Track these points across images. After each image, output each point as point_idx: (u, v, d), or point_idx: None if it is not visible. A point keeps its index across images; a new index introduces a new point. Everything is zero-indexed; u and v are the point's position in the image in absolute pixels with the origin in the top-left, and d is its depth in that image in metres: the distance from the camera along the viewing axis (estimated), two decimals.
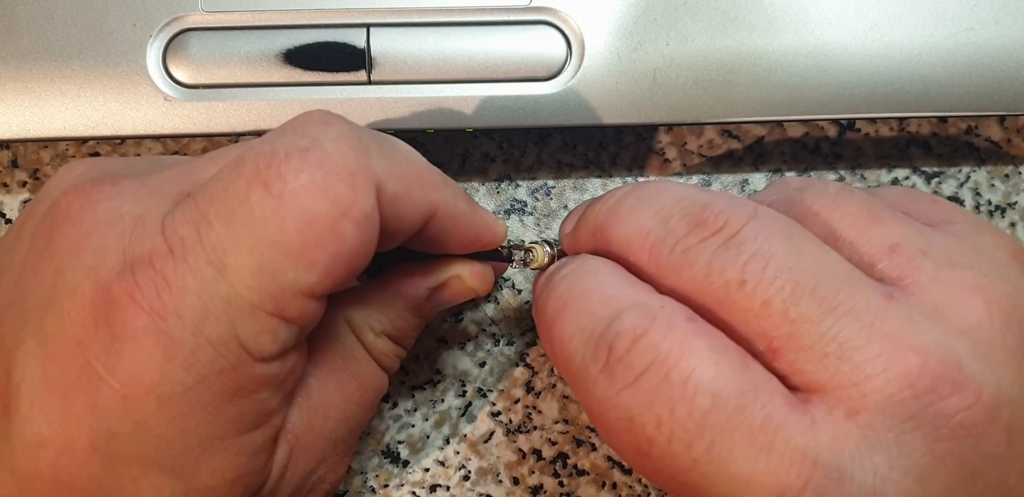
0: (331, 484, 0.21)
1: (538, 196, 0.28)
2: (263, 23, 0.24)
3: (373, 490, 0.27)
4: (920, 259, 0.17)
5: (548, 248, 0.22)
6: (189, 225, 0.16)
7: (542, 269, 0.22)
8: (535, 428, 0.27)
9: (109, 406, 0.16)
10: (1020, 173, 0.29)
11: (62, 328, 0.17)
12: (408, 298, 0.21)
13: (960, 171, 0.29)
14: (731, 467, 0.15)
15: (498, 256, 0.22)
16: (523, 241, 0.22)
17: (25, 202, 0.28)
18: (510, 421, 0.27)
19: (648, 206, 0.18)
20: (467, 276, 0.22)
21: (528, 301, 0.28)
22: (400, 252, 0.21)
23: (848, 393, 0.15)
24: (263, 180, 0.16)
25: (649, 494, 0.27)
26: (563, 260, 0.20)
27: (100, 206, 0.18)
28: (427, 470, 0.27)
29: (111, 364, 0.16)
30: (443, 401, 0.27)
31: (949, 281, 0.17)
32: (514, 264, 0.22)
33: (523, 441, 0.27)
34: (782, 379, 0.16)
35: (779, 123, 0.28)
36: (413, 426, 0.27)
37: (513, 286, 0.28)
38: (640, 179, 0.28)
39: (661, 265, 0.17)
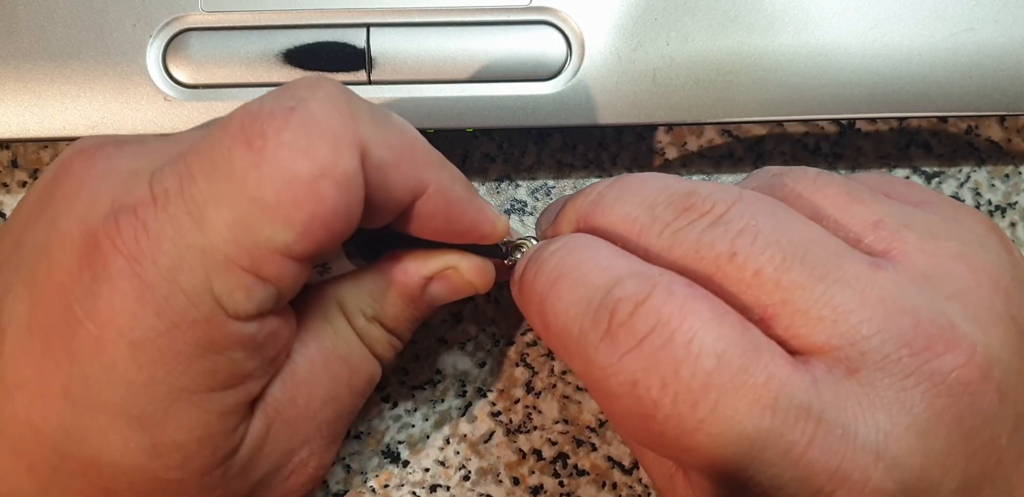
0: (315, 469, 0.21)
1: (538, 196, 0.28)
2: (263, 23, 0.24)
3: (373, 490, 0.27)
4: (904, 232, 0.17)
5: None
6: (174, 177, 0.17)
7: None
8: (535, 428, 0.27)
9: (83, 349, 0.16)
10: (1020, 173, 0.29)
11: (49, 273, 0.17)
12: (401, 285, 0.21)
13: (960, 171, 0.29)
14: (736, 426, 0.15)
15: (496, 252, 0.22)
16: (519, 239, 0.22)
17: None
18: (510, 421, 0.27)
19: (633, 195, 0.18)
20: (465, 269, 0.21)
21: None
22: (399, 238, 0.20)
23: (846, 353, 0.16)
24: (246, 137, 0.16)
25: (649, 494, 0.27)
26: (548, 240, 0.19)
27: (99, 164, 0.18)
28: (427, 470, 0.27)
29: (88, 306, 0.16)
30: (443, 401, 0.27)
31: (933, 251, 0.17)
32: (507, 260, 0.22)
33: (523, 441, 0.27)
34: (779, 345, 0.16)
35: (779, 123, 0.28)
36: (413, 426, 0.27)
37: None
38: None
39: (650, 247, 0.18)
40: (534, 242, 0.22)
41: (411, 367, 0.28)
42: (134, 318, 0.16)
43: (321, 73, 0.18)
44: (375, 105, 0.18)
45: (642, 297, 0.16)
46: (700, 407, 0.15)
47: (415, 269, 0.21)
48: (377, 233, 0.20)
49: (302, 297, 0.21)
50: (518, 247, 0.22)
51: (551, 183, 0.28)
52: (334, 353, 0.21)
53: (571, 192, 0.28)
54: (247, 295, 0.17)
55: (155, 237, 0.16)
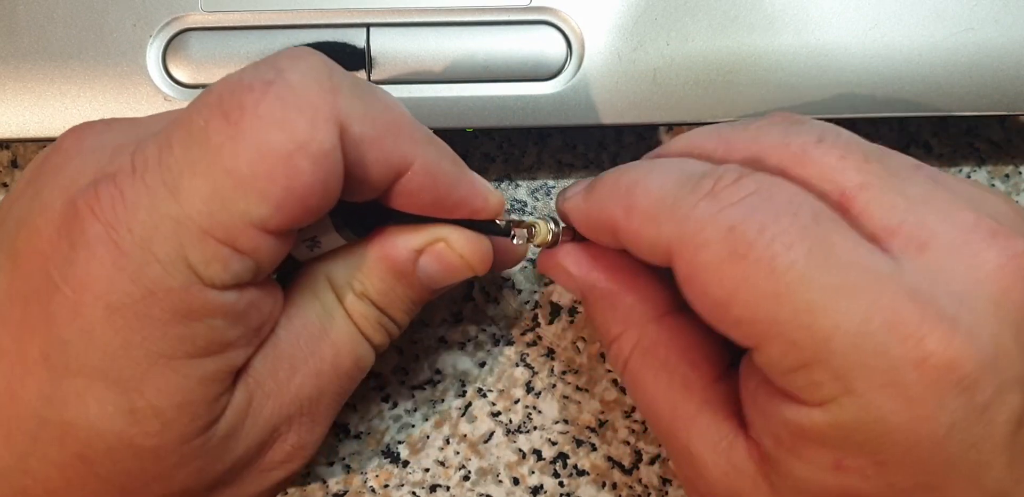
0: (297, 448, 0.21)
1: (538, 196, 0.28)
2: (263, 23, 0.24)
3: (373, 490, 0.27)
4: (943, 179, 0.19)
5: (552, 225, 0.21)
6: (154, 147, 0.17)
7: (547, 247, 0.21)
8: (535, 428, 0.27)
9: (61, 313, 0.17)
10: (1020, 173, 0.29)
11: (30, 242, 0.17)
12: (390, 259, 0.21)
13: (960, 171, 0.29)
14: (826, 275, 0.16)
15: (494, 228, 0.21)
16: (524, 219, 0.21)
17: None
18: (510, 421, 0.27)
19: (693, 145, 0.20)
20: (455, 242, 0.21)
21: (528, 301, 0.28)
22: (392, 213, 0.20)
23: (916, 233, 0.17)
24: (224, 109, 0.16)
25: (650, 494, 0.27)
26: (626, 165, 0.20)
27: (88, 139, 0.18)
28: (427, 470, 0.27)
29: (66, 272, 0.16)
30: (443, 401, 0.27)
31: (967, 186, 0.18)
32: (515, 239, 0.21)
33: (523, 441, 0.27)
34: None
35: None
36: (413, 426, 0.27)
37: (513, 286, 0.28)
38: None
39: (733, 144, 0.19)
40: (552, 226, 0.21)
41: (411, 367, 0.27)
42: (110, 283, 0.16)
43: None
44: (360, 79, 0.18)
45: (744, 173, 0.17)
46: (796, 249, 0.16)
47: (403, 242, 0.21)
48: (368, 207, 0.20)
49: (292, 272, 0.21)
50: (532, 226, 0.21)
51: (551, 183, 0.28)
52: (319, 327, 0.20)
53: None
54: (223, 266, 0.17)
55: (131, 205, 0.16)
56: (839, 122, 0.19)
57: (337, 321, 0.21)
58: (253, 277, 0.18)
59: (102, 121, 0.19)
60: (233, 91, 0.16)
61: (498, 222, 0.21)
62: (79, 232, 0.16)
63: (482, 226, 0.21)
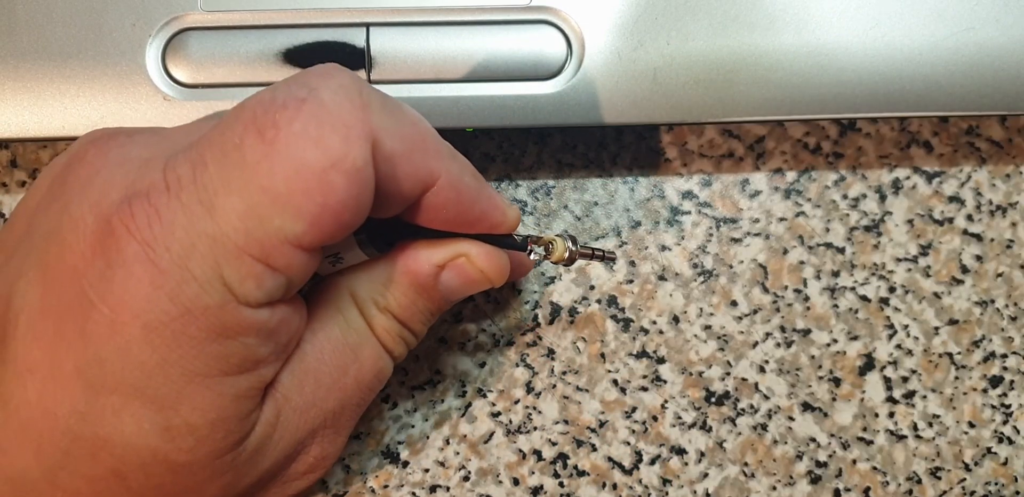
0: (320, 460, 0.21)
1: (538, 196, 0.28)
2: (262, 22, 0.23)
3: (373, 490, 0.27)
4: None
5: (570, 243, 0.21)
6: (187, 165, 0.17)
7: (563, 263, 0.22)
8: (535, 428, 0.27)
9: (97, 331, 0.17)
10: (1021, 173, 0.28)
11: (62, 257, 0.17)
12: (413, 274, 0.21)
13: (961, 171, 0.28)
14: None
15: (511, 242, 0.21)
16: (541, 235, 0.22)
17: None
18: (510, 421, 0.27)
19: None
20: (476, 256, 0.21)
21: (528, 301, 0.28)
22: (411, 228, 0.20)
23: None
24: (258, 127, 0.16)
25: (650, 494, 0.27)
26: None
27: (113, 151, 0.18)
28: (427, 471, 0.27)
29: (102, 289, 0.16)
30: (443, 401, 0.27)
31: None
32: (531, 255, 0.21)
33: (523, 441, 0.27)
34: None
35: (780, 123, 0.28)
36: (413, 426, 0.27)
37: (513, 286, 0.28)
38: (640, 179, 0.28)
39: None
40: (570, 244, 0.21)
41: (411, 367, 0.27)
42: (148, 302, 0.16)
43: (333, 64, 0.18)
44: (387, 95, 0.18)
45: None
46: None
47: (426, 257, 0.21)
48: (390, 223, 0.20)
49: (315, 286, 0.21)
50: (550, 242, 0.21)
51: (551, 183, 0.28)
52: (342, 342, 0.20)
53: (571, 192, 0.27)
54: (257, 283, 0.17)
55: (167, 224, 0.16)
56: (840, 121, 0.19)
57: (361, 334, 0.21)
58: (284, 294, 0.18)
59: (123, 132, 0.19)
60: (267, 109, 0.16)
61: (515, 236, 0.21)
62: (116, 251, 0.16)
63: (500, 241, 0.21)
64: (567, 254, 0.21)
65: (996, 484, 0.27)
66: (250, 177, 0.16)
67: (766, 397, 0.27)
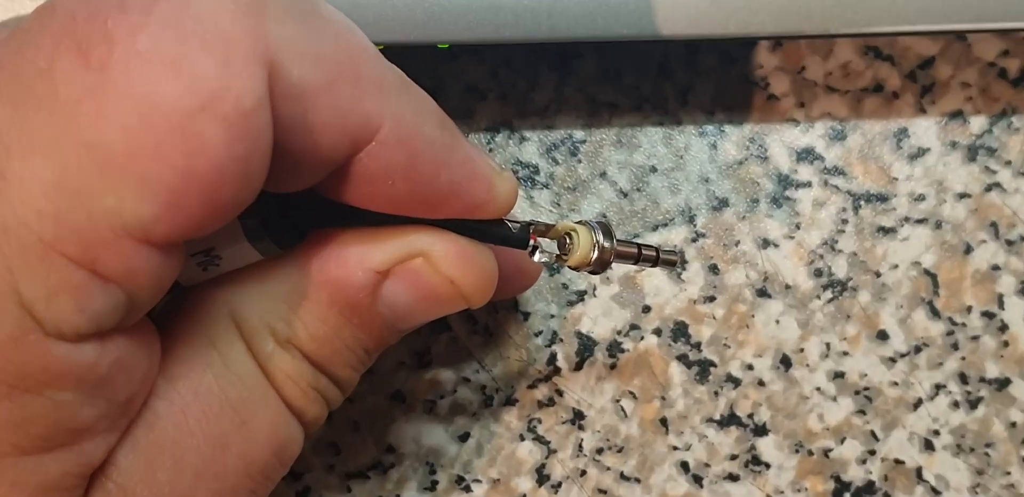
0: None
1: (556, 157, 0.23)
2: None
3: None
4: None
5: (601, 235, 0.18)
6: None
7: (588, 270, 0.18)
8: None
9: None
10: None
11: None
12: (337, 287, 0.17)
13: None
14: None
15: (501, 233, 0.17)
16: (554, 224, 0.18)
17: None
18: None
19: None
20: (440, 255, 0.17)
21: (540, 331, 0.22)
22: (334, 209, 0.17)
23: None
24: (78, 41, 0.14)
25: None
26: None
27: None
28: None
29: None
30: None
31: None
32: (536, 254, 0.18)
33: None
34: None
35: (959, 34, 0.24)
36: None
37: (516, 306, 0.23)
38: (727, 129, 0.23)
39: None
40: (599, 236, 0.18)
41: (344, 440, 0.23)
42: None
43: None
44: None
45: None
46: None
47: (358, 258, 0.17)
48: (299, 202, 0.17)
49: (176, 306, 0.18)
50: (566, 232, 0.18)
51: (578, 135, 0.23)
52: (219, 397, 0.17)
53: (612, 150, 0.23)
54: (77, 302, 0.14)
55: None
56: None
57: (248, 384, 0.18)
58: (122, 320, 0.15)
59: None
60: (94, 12, 0.14)
61: (508, 224, 0.18)
62: None
63: (483, 230, 0.18)
64: (595, 253, 0.18)
65: None
66: (65, 126, 0.14)
67: (936, 492, 0.24)
